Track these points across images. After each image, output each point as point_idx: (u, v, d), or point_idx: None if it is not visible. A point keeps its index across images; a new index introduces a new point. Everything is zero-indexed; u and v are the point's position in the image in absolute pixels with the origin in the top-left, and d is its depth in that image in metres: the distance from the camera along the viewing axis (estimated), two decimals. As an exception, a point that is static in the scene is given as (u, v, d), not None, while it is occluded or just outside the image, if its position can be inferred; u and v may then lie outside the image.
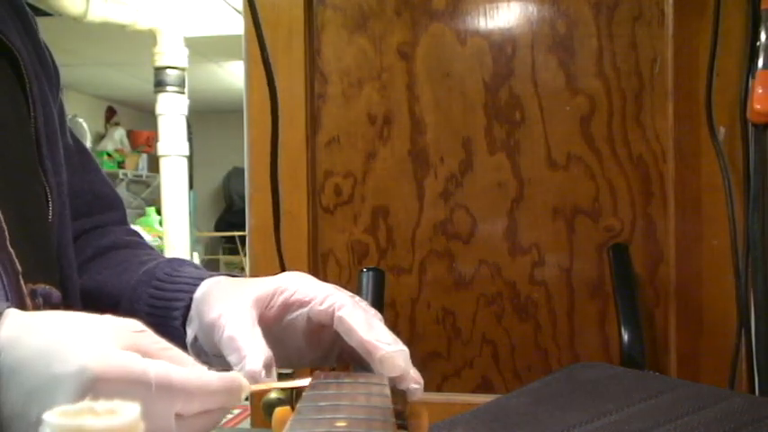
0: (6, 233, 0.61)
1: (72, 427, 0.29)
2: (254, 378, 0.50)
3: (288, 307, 0.57)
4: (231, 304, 0.56)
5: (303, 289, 0.57)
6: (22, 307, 0.60)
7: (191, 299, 0.63)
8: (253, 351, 0.52)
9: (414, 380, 0.53)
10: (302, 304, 0.56)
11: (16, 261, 0.61)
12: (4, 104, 0.66)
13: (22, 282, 0.61)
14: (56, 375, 0.41)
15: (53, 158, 0.70)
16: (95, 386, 0.40)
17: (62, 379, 0.41)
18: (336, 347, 0.58)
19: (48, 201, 0.68)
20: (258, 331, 0.54)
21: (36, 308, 0.61)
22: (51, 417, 0.29)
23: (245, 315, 0.55)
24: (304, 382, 0.49)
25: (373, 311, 0.56)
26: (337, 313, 0.54)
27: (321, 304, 0.55)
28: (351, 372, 0.55)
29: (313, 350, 0.59)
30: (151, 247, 0.80)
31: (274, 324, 0.57)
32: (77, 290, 0.69)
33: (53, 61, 0.76)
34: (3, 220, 0.61)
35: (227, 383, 0.45)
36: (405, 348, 0.53)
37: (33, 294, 0.62)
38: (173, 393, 0.42)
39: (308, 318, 0.56)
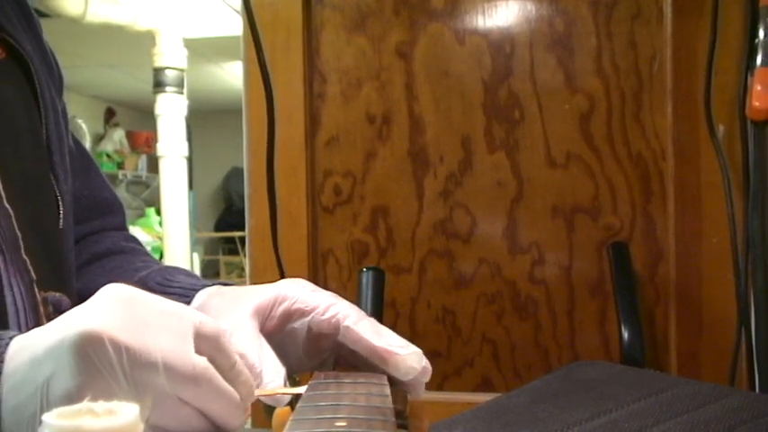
0: (21, 241, 0.61)
1: (70, 427, 0.29)
2: (275, 400, 0.49)
3: (288, 316, 0.56)
4: (233, 318, 0.55)
5: (303, 297, 0.56)
6: (37, 315, 0.60)
7: None
8: (269, 369, 0.51)
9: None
10: (303, 314, 0.56)
11: (31, 269, 0.61)
12: (18, 111, 0.66)
13: (36, 290, 0.61)
14: (58, 340, 0.40)
15: (62, 164, 0.70)
16: (96, 344, 0.39)
17: (66, 339, 0.39)
18: (333, 354, 0.58)
19: (59, 207, 0.68)
20: (268, 347, 0.53)
21: (47, 316, 0.61)
22: (50, 417, 0.29)
23: (249, 330, 0.54)
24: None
25: (372, 320, 0.56)
26: (343, 323, 0.53)
27: (324, 314, 0.55)
28: (351, 372, 0.55)
29: (312, 358, 0.58)
30: (147, 254, 0.80)
31: (275, 334, 0.56)
32: (75, 297, 0.69)
33: (57, 63, 0.76)
34: (17, 228, 0.61)
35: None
36: (418, 350, 0.52)
37: (45, 302, 0.62)
38: (177, 375, 0.41)
39: (308, 327, 0.56)
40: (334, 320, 0.54)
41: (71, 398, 0.38)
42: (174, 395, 0.41)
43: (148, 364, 0.40)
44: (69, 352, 0.39)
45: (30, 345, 0.42)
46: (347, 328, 0.53)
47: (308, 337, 0.57)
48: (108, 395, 0.38)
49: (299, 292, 0.56)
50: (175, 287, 0.65)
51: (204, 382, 0.42)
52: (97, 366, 0.38)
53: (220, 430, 0.45)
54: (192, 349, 0.42)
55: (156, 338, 0.40)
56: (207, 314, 0.57)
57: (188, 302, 0.62)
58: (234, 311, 0.56)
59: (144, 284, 0.66)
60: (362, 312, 0.56)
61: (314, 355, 0.58)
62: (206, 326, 0.44)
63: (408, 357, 0.52)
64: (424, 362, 0.53)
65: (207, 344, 0.43)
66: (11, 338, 0.43)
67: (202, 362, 0.42)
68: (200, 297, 0.62)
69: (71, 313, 0.42)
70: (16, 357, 0.42)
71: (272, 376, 0.51)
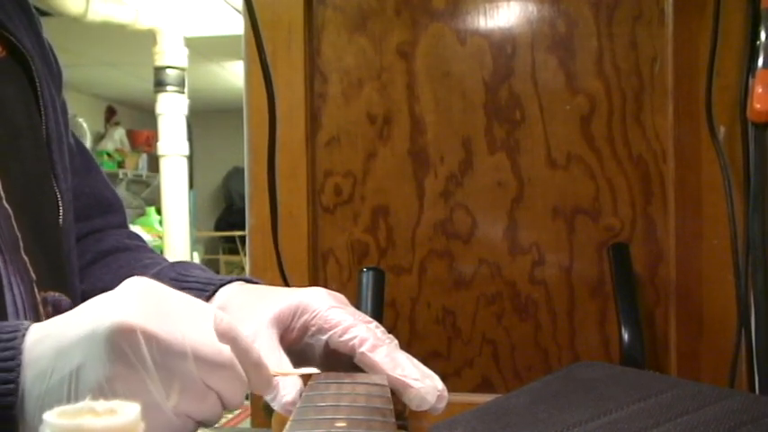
0: (20, 241, 0.61)
1: (71, 426, 0.29)
2: (287, 410, 0.50)
3: (307, 330, 0.57)
4: (253, 325, 0.56)
5: (324, 313, 0.56)
6: (36, 315, 0.60)
7: None
8: (286, 382, 0.51)
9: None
10: (321, 330, 0.56)
11: (30, 269, 0.61)
12: (18, 111, 0.66)
13: (35, 290, 0.61)
14: (89, 330, 0.40)
15: (62, 163, 0.70)
16: (129, 334, 0.40)
17: (97, 331, 0.40)
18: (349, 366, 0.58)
19: (59, 206, 0.68)
20: (287, 359, 0.54)
21: (47, 316, 0.61)
22: (51, 416, 0.29)
23: (269, 340, 0.55)
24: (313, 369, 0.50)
25: (389, 338, 0.56)
26: (359, 350, 0.54)
27: (341, 336, 0.55)
28: (351, 372, 0.55)
29: (327, 370, 0.59)
30: (152, 251, 0.80)
31: (293, 345, 0.57)
32: (78, 297, 0.69)
33: (56, 60, 0.76)
34: (16, 228, 0.61)
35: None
36: (433, 383, 0.53)
37: (44, 302, 0.62)
38: (206, 362, 0.42)
39: (326, 343, 0.56)
40: (350, 344, 0.54)
41: (101, 388, 0.39)
42: (200, 381, 0.42)
43: (178, 352, 0.41)
44: (102, 343, 0.40)
45: (53, 334, 0.42)
46: (363, 354, 0.53)
47: (325, 352, 0.57)
48: (138, 384, 0.40)
49: (320, 307, 0.56)
50: (192, 281, 0.65)
51: (230, 367, 0.44)
52: (129, 357, 0.40)
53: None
54: (216, 338, 0.44)
55: (182, 328, 0.42)
56: (228, 313, 0.58)
57: (206, 297, 0.62)
58: (254, 316, 0.57)
59: (158, 281, 0.66)
60: (382, 335, 0.55)
61: (329, 367, 0.58)
62: (221, 320, 0.45)
63: (422, 390, 0.52)
64: (441, 387, 0.53)
65: (223, 336, 0.45)
66: (26, 329, 0.43)
67: (227, 349, 0.44)
68: (224, 294, 0.63)
69: (97, 304, 0.43)
70: (39, 345, 0.42)
71: (288, 389, 0.51)
